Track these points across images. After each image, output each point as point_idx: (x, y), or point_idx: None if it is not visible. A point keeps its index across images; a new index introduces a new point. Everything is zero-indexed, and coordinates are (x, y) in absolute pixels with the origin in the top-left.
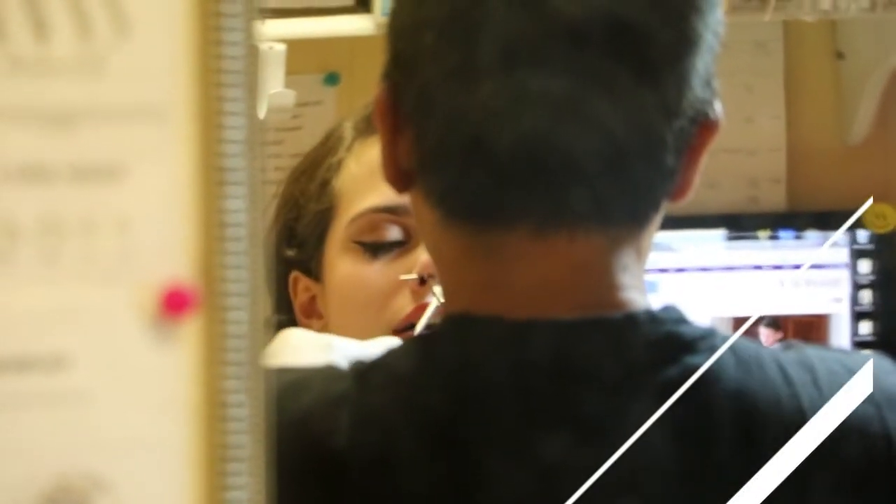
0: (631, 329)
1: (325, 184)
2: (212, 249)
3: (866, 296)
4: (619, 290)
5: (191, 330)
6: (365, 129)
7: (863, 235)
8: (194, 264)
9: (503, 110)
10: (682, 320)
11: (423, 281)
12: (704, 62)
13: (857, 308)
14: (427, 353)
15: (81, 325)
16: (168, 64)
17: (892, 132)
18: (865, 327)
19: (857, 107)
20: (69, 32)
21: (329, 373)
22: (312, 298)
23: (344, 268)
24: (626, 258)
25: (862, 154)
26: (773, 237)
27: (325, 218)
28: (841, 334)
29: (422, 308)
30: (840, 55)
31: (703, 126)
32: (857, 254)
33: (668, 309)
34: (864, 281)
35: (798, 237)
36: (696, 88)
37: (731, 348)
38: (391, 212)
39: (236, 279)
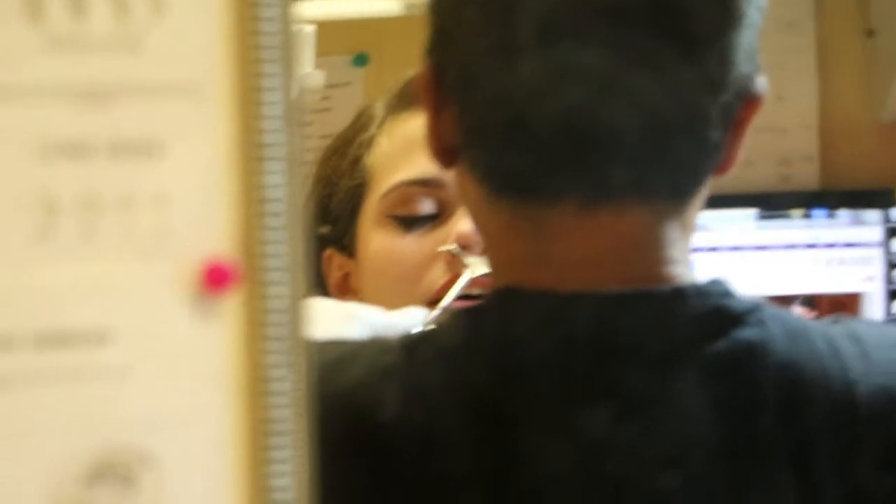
0: (678, 302)
1: (357, 160)
2: (251, 225)
3: None
4: (666, 264)
5: (232, 305)
6: (396, 105)
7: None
8: (234, 240)
9: (546, 85)
10: (728, 294)
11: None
12: (748, 38)
13: (891, 286)
14: (475, 326)
15: (122, 300)
16: (206, 40)
17: None
18: None
19: (888, 84)
20: (107, 10)
21: (378, 345)
22: (346, 276)
23: (378, 242)
24: (672, 232)
25: (891, 132)
26: (806, 216)
27: (357, 194)
28: (875, 313)
29: (455, 280)
30: (871, 32)
31: (747, 101)
32: (891, 232)
33: (714, 282)
34: None
35: (831, 216)
36: (740, 64)
37: (779, 321)
38: (424, 184)
39: (276, 254)
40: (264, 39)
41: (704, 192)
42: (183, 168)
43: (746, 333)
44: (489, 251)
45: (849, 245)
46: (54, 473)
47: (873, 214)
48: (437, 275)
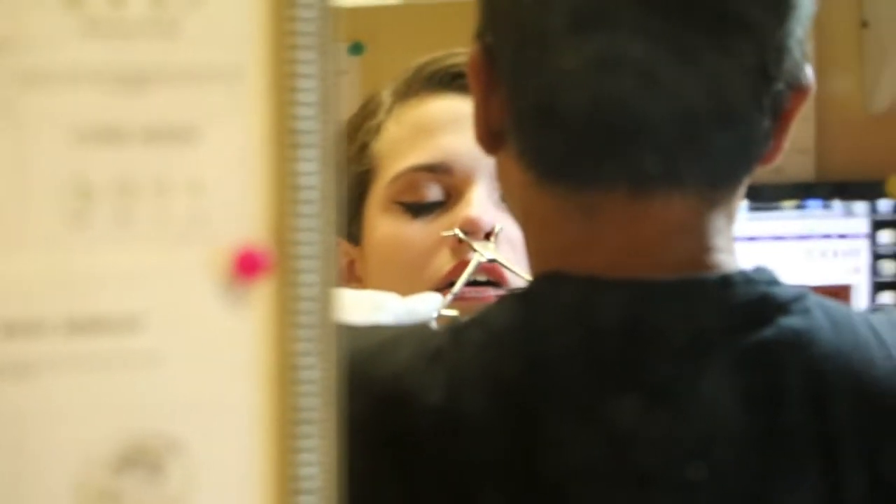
0: (726, 290)
1: (365, 147)
2: (284, 212)
3: (887, 266)
4: (714, 251)
5: (263, 292)
6: (405, 93)
7: (884, 205)
8: (267, 227)
9: (597, 73)
10: (774, 281)
11: (463, 238)
12: (802, 27)
13: (877, 278)
14: (522, 311)
15: (154, 286)
16: (242, 26)
17: None
18: (887, 297)
19: (880, 76)
20: None
21: (423, 330)
22: (351, 263)
23: (384, 228)
24: (719, 220)
25: (885, 123)
26: (799, 207)
27: (364, 180)
28: (861, 305)
29: (462, 265)
30: (865, 24)
31: (797, 90)
32: (878, 224)
33: (760, 270)
34: (886, 251)
35: (826, 207)
36: (794, 53)
37: (824, 310)
38: (431, 170)
39: (308, 241)
40: (300, 25)
41: (747, 182)
42: (217, 154)
43: (792, 321)
44: (531, 237)
45: (841, 237)
46: (83, 459)
47: (862, 206)
48: (444, 261)
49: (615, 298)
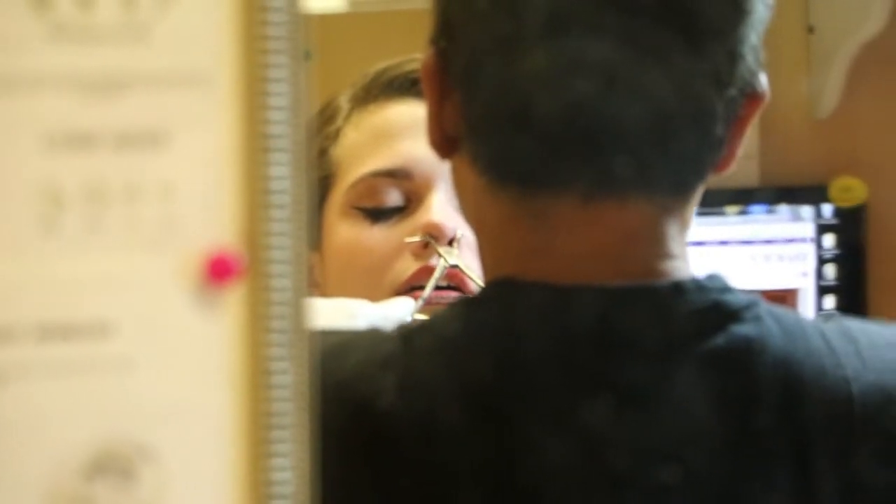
0: (677, 297)
1: (324, 152)
2: (256, 217)
3: (831, 270)
4: (666, 258)
5: (234, 297)
6: (363, 98)
7: (827, 210)
8: (238, 231)
9: (553, 77)
10: (727, 289)
11: (426, 244)
12: (756, 33)
13: (822, 283)
14: (474, 317)
15: (125, 292)
16: (212, 30)
17: (859, 106)
18: (830, 301)
19: (826, 80)
20: (113, 0)
21: (374, 335)
22: (310, 268)
23: (344, 233)
24: (672, 227)
25: (830, 128)
26: (743, 212)
27: (323, 186)
28: (807, 309)
29: (424, 270)
30: (811, 29)
31: (751, 97)
32: (822, 228)
33: (712, 278)
34: (829, 256)
35: (770, 212)
36: (748, 59)
37: (775, 317)
38: (391, 175)
39: (280, 246)
40: (271, 30)
41: (702, 189)
42: (188, 159)
43: (744, 329)
44: (485, 243)
45: (786, 241)
46: (54, 466)
47: (807, 210)
48: (405, 266)
49: (565, 305)
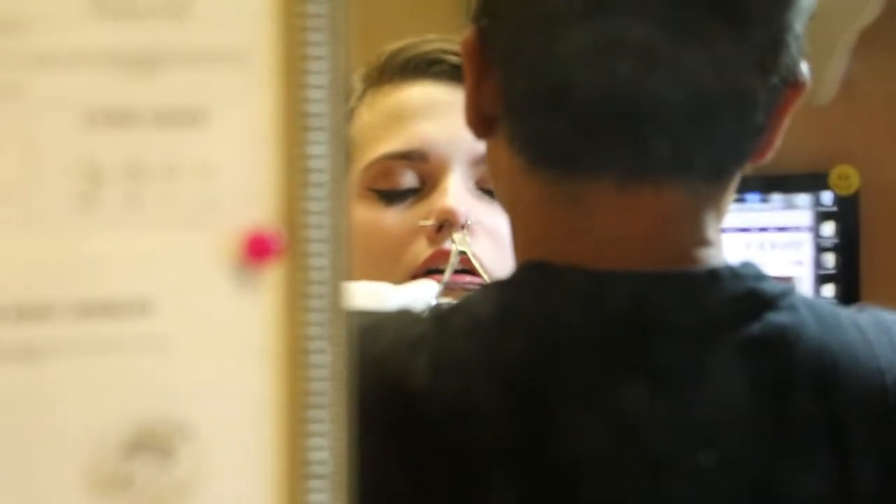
0: (713, 284)
1: None
2: (294, 195)
3: (830, 259)
4: (701, 245)
5: (273, 276)
6: (377, 79)
7: (827, 197)
8: (277, 210)
9: (593, 57)
10: (761, 276)
11: (440, 227)
12: (801, 21)
13: (820, 271)
14: (507, 299)
15: (164, 270)
16: (252, 7)
17: (857, 94)
18: (828, 290)
19: (824, 68)
20: None
21: (407, 316)
22: None
23: (359, 215)
24: (709, 214)
25: (827, 116)
26: (739, 200)
27: None
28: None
29: (439, 254)
30: (811, 16)
31: (793, 86)
32: (821, 216)
33: (747, 265)
34: (828, 244)
35: (764, 200)
36: (791, 47)
37: (810, 306)
38: (406, 157)
39: (319, 225)
40: (311, 7)
41: (739, 176)
42: (227, 137)
43: (779, 318)
44: (518, 224)
45: (781, 229)
46: (93, 444)
47: (804, 198)
48: (420, 249)
49: (599, 290)
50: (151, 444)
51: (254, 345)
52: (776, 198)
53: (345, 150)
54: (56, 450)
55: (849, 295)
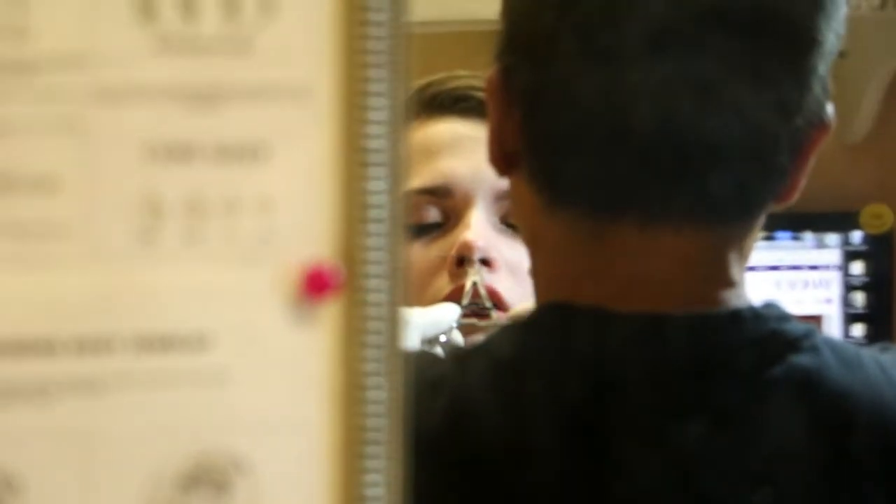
0: (736, 326)
1: None
2: (353, 231)
3: (859, 297)
4: (724, 287)
5: (331, 311)
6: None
7: (856, 236)
8: (336, 245)
9: (615, 99)
10: (784, 318)
11: (461, 262)
12: (825, 63)
13: (849, 310)
14: (527, 341)
15: (223, 304)
16: (313, 43)
17: (890, 132)
18: (858, 329)
19: (857, 106)
20: (217, 11)
21: (426, 357)
22: None
23: None
24: (731, 255)
25: (859, 154)
26: (769, 238)
27: None
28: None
29: (460, 289)
30: (842, 54)
31: (817, 128)
32: (850, 255)
33: (770, 306)
34: (857, 282)
35: (795, 238)
36: (815, 89)
37: (833, 348)
38: (432, 193)
39: (377, 261)
40: (371, 44)
41: (764, 218)
42: (287, 172)
43: (802, 360)
44: (539, 263)
45: (811, 268)
46: (151, 477)
47: (833, 237)
48: (442, 284)
49: (621, 332)
50: (207, 478)
51: (311, 380)
52: (807, 236)
53: (403, 185)
54: (113, 484)
55: (879, 334)
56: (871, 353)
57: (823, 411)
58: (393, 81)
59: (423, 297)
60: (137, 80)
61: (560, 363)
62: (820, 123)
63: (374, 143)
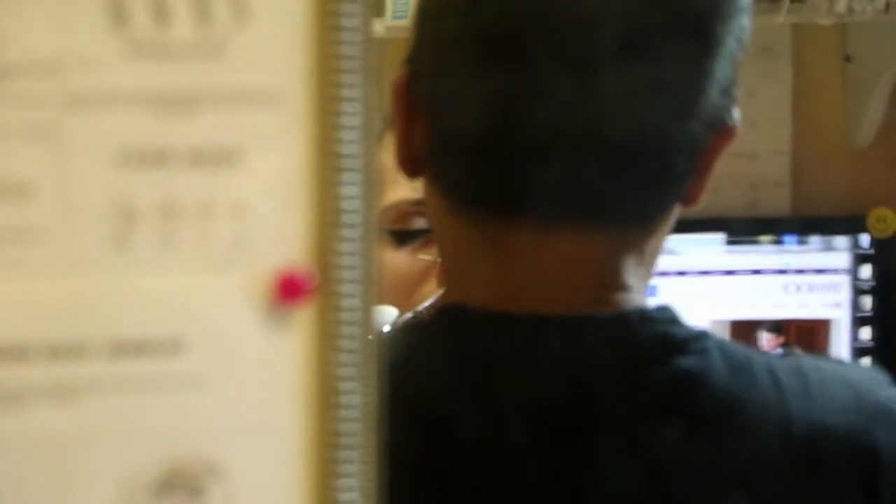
0: (621, 327)
1: None
2: (327, 236)
3: (867, 301)
4: (616, 290)
5: (304, 316)
6: None
7: (864, 240)
8: (309, 250)
9: (515, 102)
10: (674, 321)
11: None
12: (725, 68)
13: (858, 314)
14: (416, 342)
15: (196, 309)
16: (286, 49)
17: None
18: (866, 333)
19: (864, 110)
20: (190, 17)
21: None
22: None
23: None
24: (629, 259)
25: (866, 158)
26: (777, 241)
27: None
28: (841, 340)
29: None
30: (848, 58)
31: (718, 132)
32: (859, 259)
33: (661, 309)
34: (865, 286)
35: (801, 242)
36: (713, 93)
37: (722, 351)
38: (420, 203)
39: (350, 265)
40: (344, 49)
41: (670, 220)
42: (261, 177)
43: (687, 362)
44: (445, 264)
45: (818, 271)
46: (125, 482)
47: (842, 241)
48: (430, 290)
49: (504, 333)
50: (182, 483)
51: (285, 385)
52: (814, 240)
53: (376, 190)
54: (87, 489)
55: (886, 337)
56: (764, 359)
57: (704, 414)
58: (366, 87)
59: (410, 303)
60: (110, 87)
61: (443, 363)
62: (722, 127)
63: (347, 149)
